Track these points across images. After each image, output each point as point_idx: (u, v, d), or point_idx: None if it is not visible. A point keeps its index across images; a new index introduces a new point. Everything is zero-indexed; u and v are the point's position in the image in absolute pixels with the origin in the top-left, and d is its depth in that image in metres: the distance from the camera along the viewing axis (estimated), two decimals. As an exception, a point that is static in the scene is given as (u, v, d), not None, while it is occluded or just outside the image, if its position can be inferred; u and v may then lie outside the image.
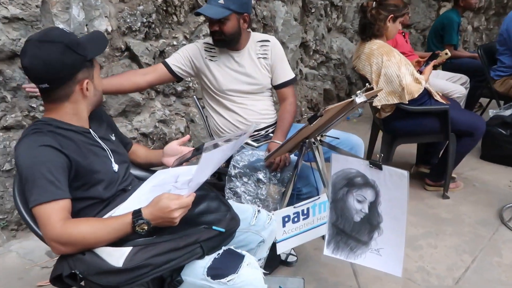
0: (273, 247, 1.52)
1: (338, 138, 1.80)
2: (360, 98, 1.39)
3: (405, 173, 1.35)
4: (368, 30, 2.41)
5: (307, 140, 1.55)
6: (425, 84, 2.38)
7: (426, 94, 2.51)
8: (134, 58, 2.54)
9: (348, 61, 4.33)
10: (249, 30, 1.93)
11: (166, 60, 1.91)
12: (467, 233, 2.25)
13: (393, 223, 1.42)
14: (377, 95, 2.14)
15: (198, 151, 1.33)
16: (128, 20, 2.44)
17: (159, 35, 2.64)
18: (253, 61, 1.89)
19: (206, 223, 1.13)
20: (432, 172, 2.71)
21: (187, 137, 1.48)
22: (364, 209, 1.48)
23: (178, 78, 1.93)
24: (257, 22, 3.12)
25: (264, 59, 1.90)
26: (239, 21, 1.78)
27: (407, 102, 2.31)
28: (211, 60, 1.88)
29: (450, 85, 3.40)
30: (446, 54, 3.75)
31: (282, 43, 3.37)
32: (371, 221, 1.46)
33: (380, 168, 1.40)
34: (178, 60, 1.90)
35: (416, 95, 2.31)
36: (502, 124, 3.04)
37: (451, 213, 2.45)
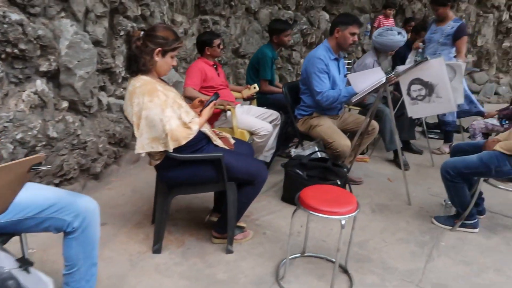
0: None
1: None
2: None
3: (49, 281, 0.97)
4: (133, 64, 2.07)
5: None
6: (198, 129, 2.12)
7: (204, 139, 2.26)
8: None
9: (167, 90, 3.99)
10: None
11: None
12: (237, 298, 2.02)
13: None
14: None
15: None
16: None
17: None
18: None
19: None
20: (218, 223, 2.46)
21: None
22: None
23: None
24: (27, 42, 2.56)
25: None
26: None
27: (172, 150, 2.01)
28: None
29: (258, 123, 3.28)
30: (255, 88, 3.71)
31: (67, 69, 2.86)
32: None
33: (28, 271, 1.00)
34: None
35: (183, 142, 2.02)
36: (300, 165, 2.99)
37: (229, 272, 2.20)
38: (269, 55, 3.71)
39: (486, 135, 3.71)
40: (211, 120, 3.40)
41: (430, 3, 4.63)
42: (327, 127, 3.07)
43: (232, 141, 2.51)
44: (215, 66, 3.44)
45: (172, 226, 2.64)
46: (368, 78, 2.83)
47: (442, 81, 2.79)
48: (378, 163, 4.05)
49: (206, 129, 2.26)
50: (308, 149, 3.16)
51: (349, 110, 4.97)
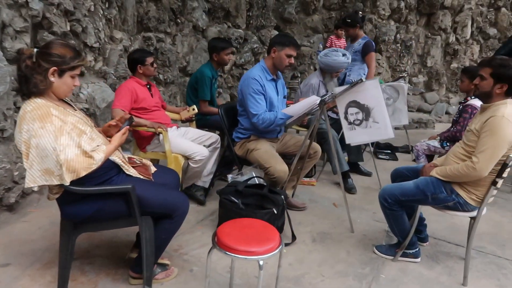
0: None
1: None
2: None
3: None
4: (24, 85, 1.81)
5: None
6: (105, 157, 1.88)
7: (114, 169, 2.01)
8: None
9: (101, 112, 3.72)
10: None
11: None
12: None
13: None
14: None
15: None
16: None
17: None
18: None
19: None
20: (135, 260, 2.20)
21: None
22: None
23: None
24: None
25: None
26: None
27: (68, 183, 1.75)
28: None
29: (193, 147, 3.07)
30: (194, 109, 3.51)
31: (-28, 89, 2.55)
32: None
33: None
34: None
35: (83, 174, 1.77)
36: (235, 192, 2.78)
37: (141, 320, 1.95)
38: (208, 75, 3.53)
39: (430, 157, 3.66)
40: (143, 144, 3.16)
41: (342, 24, 4.81)
42: (264, 151, 2.89)
43: (153, 170, 2.28)
44: (148, 86, 3.21)
45: (88, 264, 2.35)
46: (304, 103, 2.69)
47: (379, 105, 2.69)
48: (325, 187, 3.90)
49: (117, 158, 2.02)
50: (245, 175, 2.96)
51: (297, 132, 4.86)
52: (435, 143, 3.49)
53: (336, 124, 3.86)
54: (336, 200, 3.56)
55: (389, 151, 5.03)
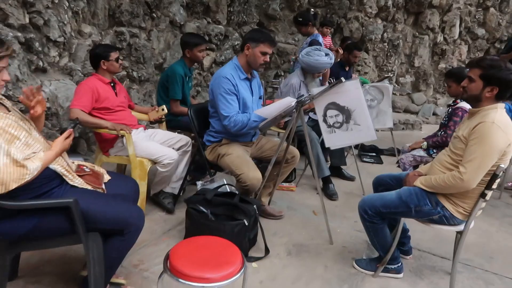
0: None
1: None
2: None
3: None
4: None
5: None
6: (43, 166, 1.63)
7: (56, 179, 1.77)
8: None
9: (64, 111, 3.45)
10: None
11: None
12: None
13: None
14: None
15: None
16: None
17: None
18: None
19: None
20: (83, 281, 1.95)
21: None
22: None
23: None
24: None
25: None
26: None
27: (-5, 198, 1.50)
28: None
29: (160, 150, 2.83)
30: (163, 110, 3.26)
31: None
32: None
33: None
34: None
35: (13, 186, 1.53)
36: (204, 201, 2.54)
37: None
38: (179, 72, 3.28)
39: (417, 167, 3.43)
40: (106, 148, 2.91)
41: (294, 23, 4.91)
42: (236, 156, 2.66)
43: (106, 179, 2.04)
44: (112, 83, 2.95)
45: (34, 283, 2.09)
46: (278, 105, 2.47)
47: (360, 107, 2.48)
48: (306, 192, 3.69)
49: (59, 166, 1.77)
50: (216, 182, 2.73)
51: (278, 134, 4.64)
52: (421, 152, 3.27)
53: (317, 126, 3.64)
54: (316, 207, 3.35)
55: (374, 154, 4.84)
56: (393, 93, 7.25)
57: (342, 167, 4.05)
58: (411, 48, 7.51)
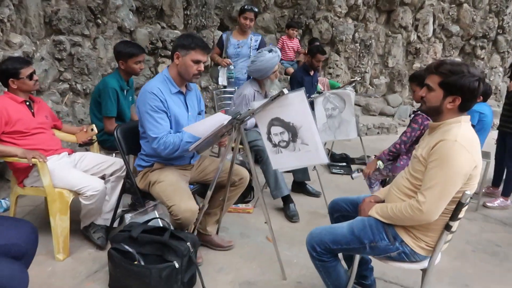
0: None
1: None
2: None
3: None
4: None
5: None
6: None
7: None
8: None
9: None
10: None
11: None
12: None
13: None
14: None
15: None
16: None
17: None
18: None
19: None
20: None
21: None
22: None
23: None
24: None
25: None
26: None
27: None
28: None
29: (81, 180, 2.44)
30: (92, 130, 2.87)
31: None
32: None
33: None
34: None
35: None
36: (130, 240, 2.16)
37: None
38: (112, 86, 2.88)
39: (385, 182, 3.10)
40: (20, 178, 2.50)
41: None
42: (168, 184, 2.27)
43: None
44: (28, 102, 2.55)
45: None
46: (209, 123, 2.11)
47: (307, 122, 2.12)
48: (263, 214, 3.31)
49: None
50: (148, 214, 2.35)
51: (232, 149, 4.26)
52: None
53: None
54: (275, 232, 2.98)
55: (344, 164, 4.50)
56: (368, 97, 6.98)
57: (306, 182, 3.70)
58: (384, 48, 7.22)
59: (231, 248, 2.70)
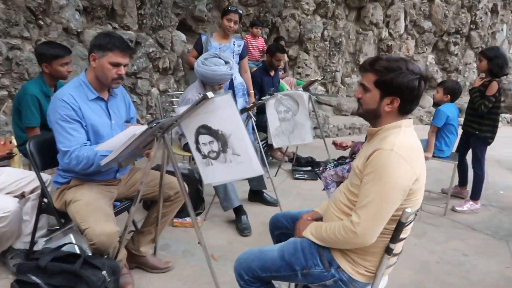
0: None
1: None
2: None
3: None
4: None
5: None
6: None
7: None
8: None
9: None
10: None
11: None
12: None
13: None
14: None
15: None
16: None
17: None
18: None
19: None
20: None
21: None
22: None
23: None
24: None
25: None
26: None
27: None
28: None
29: None
30: (11, 142, 2.51)
31: None
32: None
33: None
34: None
35: None
36: (37, 269, 1.86)
37: None
38: (32, 92, 2.58)
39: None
40: None
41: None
42: (84, 203, 1.99)
43: None
44: None
45: None
46: (121, 136, 1.83)
47: (237, 130, 1.86)
48: (215, 227, 3.04)
49: None
50: (62, 239, 2.06)
51: (183, 157, 3.97)
52: (345, 164, 2.70)
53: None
54: (221, 248, 2.72)
55: (308, 169, 4.26)
56: (340, 95, 6.77)
57: (263, 190, 3.44)
58: (355, 45, 7.03)
59: (169, 270, 2.43)
